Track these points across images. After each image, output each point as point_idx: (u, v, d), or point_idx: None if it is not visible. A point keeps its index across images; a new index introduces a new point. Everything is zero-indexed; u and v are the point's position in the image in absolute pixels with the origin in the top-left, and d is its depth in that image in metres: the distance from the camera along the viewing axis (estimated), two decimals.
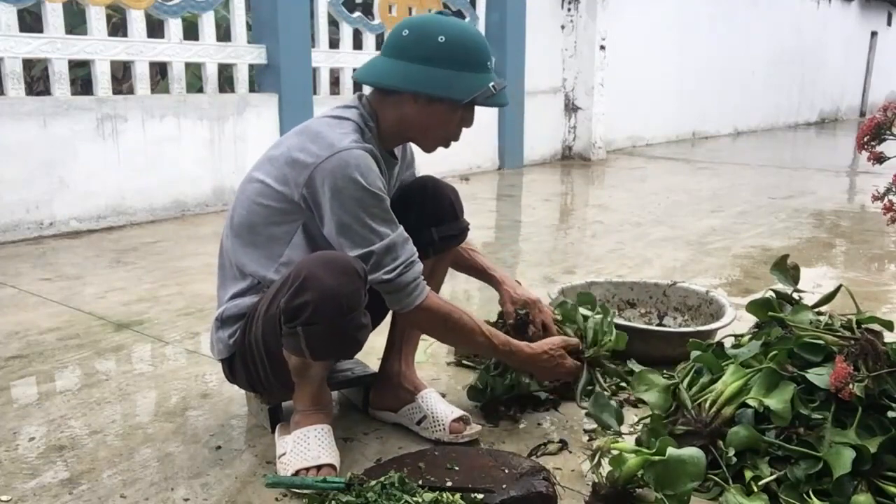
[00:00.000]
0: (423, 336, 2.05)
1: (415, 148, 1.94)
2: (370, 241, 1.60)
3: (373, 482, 1.48)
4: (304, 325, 1.53)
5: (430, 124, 1.71)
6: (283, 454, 1.68)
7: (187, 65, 4.96)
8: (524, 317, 2.04)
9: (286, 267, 1.67)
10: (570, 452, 1.82)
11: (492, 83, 1.67)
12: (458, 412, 1.87)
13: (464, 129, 1.78)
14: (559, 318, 2.15)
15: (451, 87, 1.63)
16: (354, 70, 5.89)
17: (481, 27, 7.16)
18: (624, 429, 1.95)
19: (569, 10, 8.07)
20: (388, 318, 1.97)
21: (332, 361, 1.77)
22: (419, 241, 1.84)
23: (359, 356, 2.10)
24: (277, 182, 1.66)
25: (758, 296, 2.05)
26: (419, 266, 1.68)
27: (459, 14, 6.90)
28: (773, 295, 2.02)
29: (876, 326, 1.79)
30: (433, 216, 1.88)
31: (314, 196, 1.61)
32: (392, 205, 1.87)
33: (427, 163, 2.06)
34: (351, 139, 1.63)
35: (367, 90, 1.79)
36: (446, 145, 1.79)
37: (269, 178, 1.67)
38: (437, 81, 1.62)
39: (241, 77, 5.19)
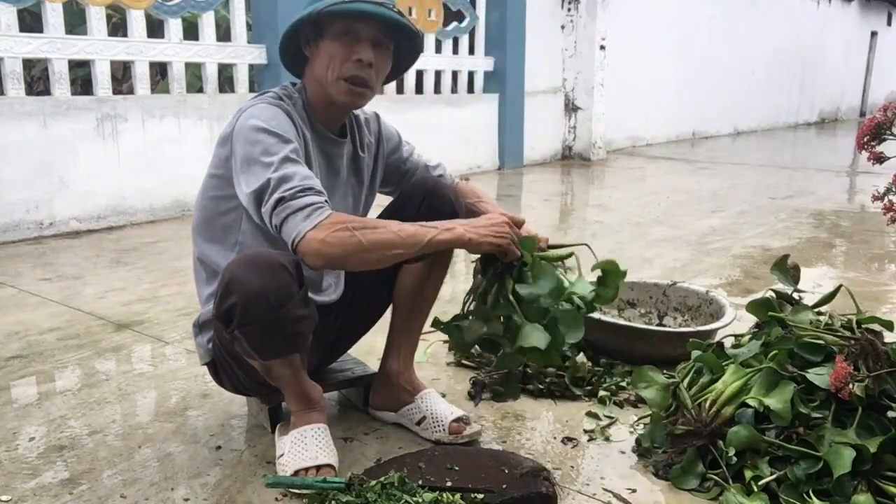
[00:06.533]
0: (423, 336, 2.04)
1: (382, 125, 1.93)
2: (267, 173, 1.51)
3: (373, 482, 1.48)
4: (239, 327, 1.51)
5: (318, 72, 1.67)
6: (282, 455, 1.68)
7: (187, 65, 4.96)
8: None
9: None
10: (574, 447, 1.82)
11: None
12: (458, 412, 1.87)
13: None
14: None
15: (295, 18, 1.64)
16: None
17: (481, 27, 7.16)
18: (623, 429, 1.96)
19: (569, 10, 8.07)
20: (388, 318, 1.97)
21: (299, 359, 1.68)
22: None
23: (358, 356, 2.11)
24: (217, 167, 1.68)
25: (758, 296, 2.04)
26: (323, 197, 1.52)
27: (459, 14, 6.90)
28: (773, 295, 2.02)
29: (876, 326, 1.79)
30: (433, 216, 1.80)
31: (233, 158, 1.61)
32: (392, 203, 1.87)
33: None
34: (262, 100, 1.65)
35: None
36: (354, 84, 1.66)
37: (211, 168, 1.71)
38: (290, 23, 1.65)
39: (241, 77, 5.19)
